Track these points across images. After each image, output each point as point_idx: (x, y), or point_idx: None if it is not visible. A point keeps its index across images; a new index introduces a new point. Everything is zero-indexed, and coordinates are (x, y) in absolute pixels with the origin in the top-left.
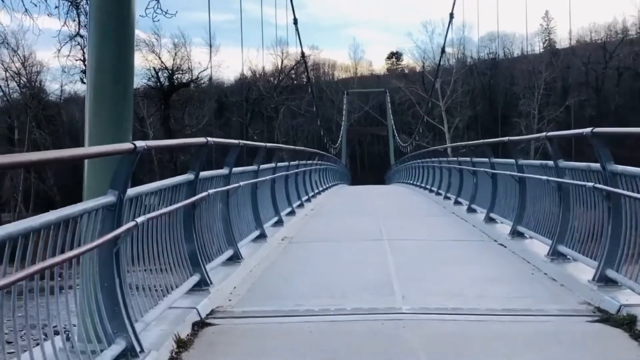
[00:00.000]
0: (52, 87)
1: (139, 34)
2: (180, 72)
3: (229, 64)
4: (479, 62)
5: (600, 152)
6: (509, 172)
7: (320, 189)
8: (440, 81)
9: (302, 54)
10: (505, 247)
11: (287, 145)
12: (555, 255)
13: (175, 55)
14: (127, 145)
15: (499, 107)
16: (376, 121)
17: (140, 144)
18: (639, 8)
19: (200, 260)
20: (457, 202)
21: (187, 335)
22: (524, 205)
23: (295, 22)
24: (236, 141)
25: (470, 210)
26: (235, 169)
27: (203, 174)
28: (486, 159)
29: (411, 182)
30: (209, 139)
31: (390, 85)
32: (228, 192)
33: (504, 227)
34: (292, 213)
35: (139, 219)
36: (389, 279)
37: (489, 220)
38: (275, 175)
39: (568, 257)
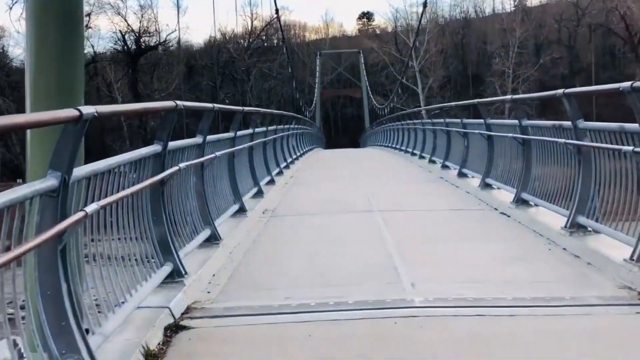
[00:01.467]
0: (15, 52)
1: None
2: (148, 34)
3: (197, 26)
4: (451, 22)
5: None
6: (510, 134)
7: (298, 154)
8: (413, 41)
9: (277, 10)
10: (509, 216)
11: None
12: (574, 227)
13: (142, 17)
14: (71, 112)
15: (472, 66)
16: (349, 83)
17: (88, 109)
18: None
19: (172, 247)
20: (444, 166)
21: (158, 344)
22: (529, 170)
23: None
24: (210, 105)
25: (462, 175)
26: (209, 137)
27: (172, 144)
28: (480, 120)
29: (389, 144)
30: (179, 102)
31: (362, 46)
32: (202, 164)
33: (503, 193)
34: (271, 182)
35: (89, 208)
36: (392, 261)
37: (485, 186)
38: (253, 142)
39: (589, 229)
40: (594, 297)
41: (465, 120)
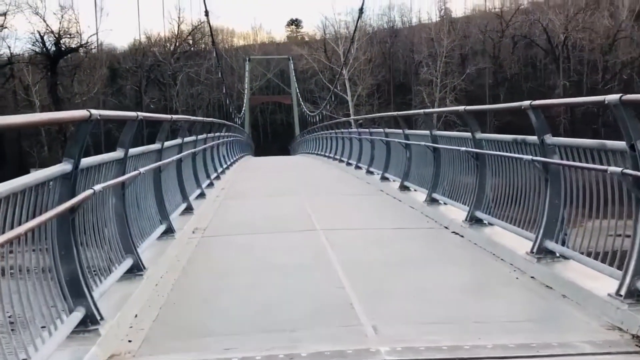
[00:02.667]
0: None
1: None
2: (69, 36)
3: (122, 28)
4: (379, 31)
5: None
6: (463, 148)
7: (229, 162)
8: (343, 49)
9: (206, 12)
10: (463, 236)
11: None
12: (542, 253)
13: (62, 17)
14: (84, 113)
15: (400, 75)
16: (278, 89)
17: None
18: None
19: (84, 287)
20: (384, 178)
21: None
22: (483, 187)
23: None
24: (133, 113)
25: (404, 188)
26: (132, 150)
27: (86, 161)
28: (424, 132)
29: (321, 153)
30: (93, 111)
31: (292, 53)
32: (124, 183)
33: (453, 210)
34: (202, 195)
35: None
36: (345, 294)
37: (432, 201)
38: (182, 153)
39: (557, 255)
40: (586, 344)
41: (408, 132)
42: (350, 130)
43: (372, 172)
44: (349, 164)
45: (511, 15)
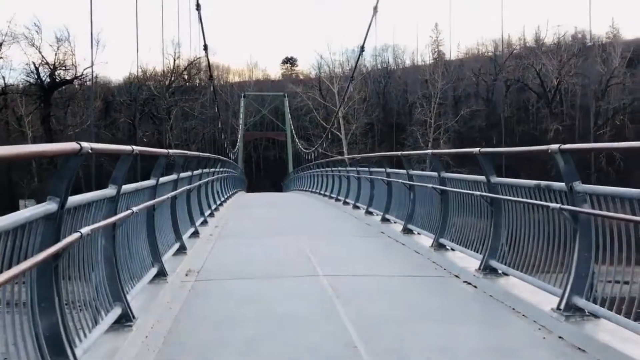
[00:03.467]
0: None
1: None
2: (64, 68)
3: (117, 62)
4: (373, 71)
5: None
6: (477, 192)
7: (222, 199)
8: (337, 87)
9: (205, 46)
10: (476, 287)
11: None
12: (570, 310)
13: (58, 49)
14: (74, 145)
15: (394, 115)
16: (272, 126)
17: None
18: (524, 24)
19: (66, 344)
20: (385, 220)
21: None
22: (498, 235)
23: (198, 7)
24: (128, 147)
25: (407, 231)
26: (125, 187)
27: (74, 199)
28: (432, 173)
29: (316, 190)
30: (84, 144)
31: (286, 90)
32: (115, 224)
33: (462, 258)
34: (195, 234)
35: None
36: (359, 355)
37: (439, 246)
38: (177, 191)
39: (587, 313)
40: None
41: (413, 172)
42: (348, 168)
43: (371, 213)
44: (345, 202)
45: (505, 59)
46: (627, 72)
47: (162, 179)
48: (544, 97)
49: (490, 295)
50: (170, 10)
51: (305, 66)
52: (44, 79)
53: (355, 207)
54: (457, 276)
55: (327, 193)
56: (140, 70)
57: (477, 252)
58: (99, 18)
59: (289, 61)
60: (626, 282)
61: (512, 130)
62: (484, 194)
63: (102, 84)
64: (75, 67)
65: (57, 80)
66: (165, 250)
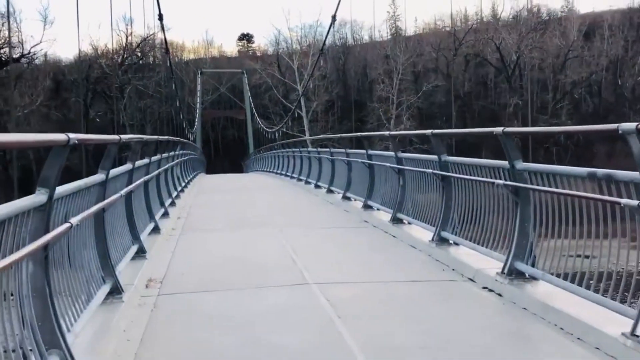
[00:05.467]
0: None
1: None
2: (10, 45)
3: (67, 39)
4: (332, 47)
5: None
6: (501, 182)
7: (183, 184)
8: (297, 63)
9: (160, 15)
10: (501, 295)
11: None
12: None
13: (2, 26)
14: (61, 137)
15: (354, 92)
16: (231, 104)
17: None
18: None
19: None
20: (367, 207)
21: None
22: (525, 232)
23: None
24: (61, 136)
25: (397, 220)
26: (61, 189)
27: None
28: (428, 156)
29: (281, 172)
30: (71, 135)
31: (244, 67)
32: (47, 245)
33: (470, 255)
34: (156, 229)
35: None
36: None
37: (442, 241)
38: (133, 184)
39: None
40: None
41: (402, 155)
42: (319, 149)
43: (349, 198)
44: (317, 186)
45: (464, 34)
46: (585, 45)
47: (114, 171)
48: (503, 71)
49: (524, 308)
50: None
51: (263, 42)
52: None
53: (330, 191)
54: (471, 279)
55: (295, 175)
56: (91, 47)
57: (493, 249)
58: None
59: (246, 37)
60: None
61: (471, 105)
62: (508, 182)
63: (52, 63)
64: (22, 44)
65: (2, 58)
66: (119, 258)
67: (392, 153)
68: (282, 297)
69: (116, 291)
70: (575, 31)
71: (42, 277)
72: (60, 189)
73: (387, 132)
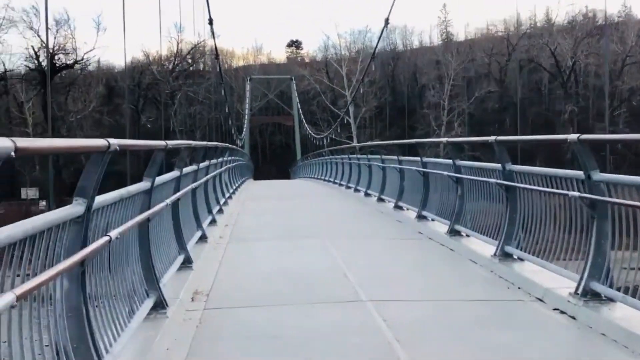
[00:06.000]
0: None
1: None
2: (63, 52)
3: (120, 46)
4: (381, 53)
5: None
6: (576, 193)
7: (231, 191)
8: (345, 69)
9: (210, 20)
10: (575, 319)
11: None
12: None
13: (57, 32)
14: (101, 142)
15: (403, 98)
16: (278, 110)
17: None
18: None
19: None
20: (421, 217)
21: None
22: (601, 249)
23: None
24: (162, 143)
25: (454, 233)
26: (102, 198)
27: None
28: (495, 165)
29: (328, 178)
30: (112, 140)
31: (293, 73)
32: (84, 259)
33: (535, 272)
34: (203, 238)
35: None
36: None
37: (505, 256)
38: (181, 192)
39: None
40: None
41: (461, 163)
42: (369, 156)
43: (401, 207)
44: (367, 194)
45: (518, 39)
46: None
47: (160, 178)
48: (558, 77)
49: (603, 334)
50: None
51: (311, 48)
52: (43, 63)
53: (380, 200)
54: (540, 300)
55: (344, 183)
56: (142, 54)
57: (561, 266)
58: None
59: (294, 44)
60: None
61: (524, 111)
62: (584, 194)
63: (105, 69)
64: (76, 51)
65: (57, 65)
66: (164, 269)
67: (449, 161)
68: (334, 316)
69: (160, 306)
70: (634, 36)
71: (78, 294)
72: (100, 199)
73: (444, 139)
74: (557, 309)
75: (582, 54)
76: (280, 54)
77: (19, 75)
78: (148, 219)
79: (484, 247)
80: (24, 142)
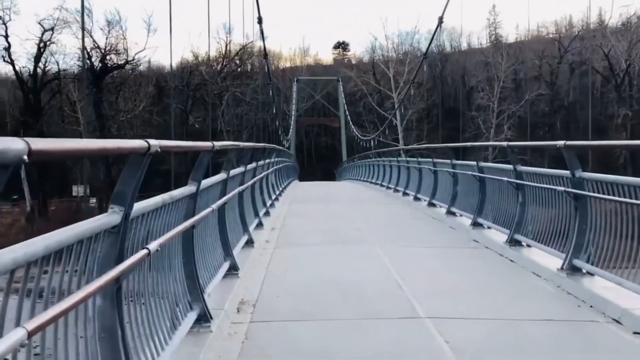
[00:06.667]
0: None
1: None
2: (115, 52)
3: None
4: (429, 55)
5: None
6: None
7: (277, 192)
8: (393, 71)
9: (260, 19)
10: None
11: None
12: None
13: (109, 33)
14: (141, 143)
15: (451, 100)
16: (325, 111)
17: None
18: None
19: None
20: (477, 224)
21: None
22: None
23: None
24: (208, 144)
25: (514, 242)
26: (141, 205)
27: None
28: (553, 172)
29: (378, 182)
30: (152, 142)
31: (339, 75)
32: (120, 275)
33: (609, 288)
34: (249, 243)
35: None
36: None
37: (573, 270)
38: (228, 195)
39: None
40: None
41: (523, 168)
42: (419, 159)
43: (454, 213)
44: (417, 198)
45: (570, 41)
46: None
47: (206, 182)
48: (611, 80)
49: None
50: None
51: (358, 50)
52: (95, 63)
53: (431, 204)
54: (617, 321)
55: (392, 186)
56: (191, 55)
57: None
58: (149, 1)
59: (341, 45)
60: None
61: (575, 115)
62: None
63: (155, 69)
64: (127, 51)
65: (108, 65)
66: (209, 278)
67: (507, 166)
68: (389, 334)
69: (204, 318)
70: None
71: (112, 313)
72: (140, 206)
73: (505, 143)
74: (638, 333)
75: (637, 56)
76: (326, 56)
77: (72, 74)
78: (193, 226)
79: (548, 259)
80: (40, 144)
